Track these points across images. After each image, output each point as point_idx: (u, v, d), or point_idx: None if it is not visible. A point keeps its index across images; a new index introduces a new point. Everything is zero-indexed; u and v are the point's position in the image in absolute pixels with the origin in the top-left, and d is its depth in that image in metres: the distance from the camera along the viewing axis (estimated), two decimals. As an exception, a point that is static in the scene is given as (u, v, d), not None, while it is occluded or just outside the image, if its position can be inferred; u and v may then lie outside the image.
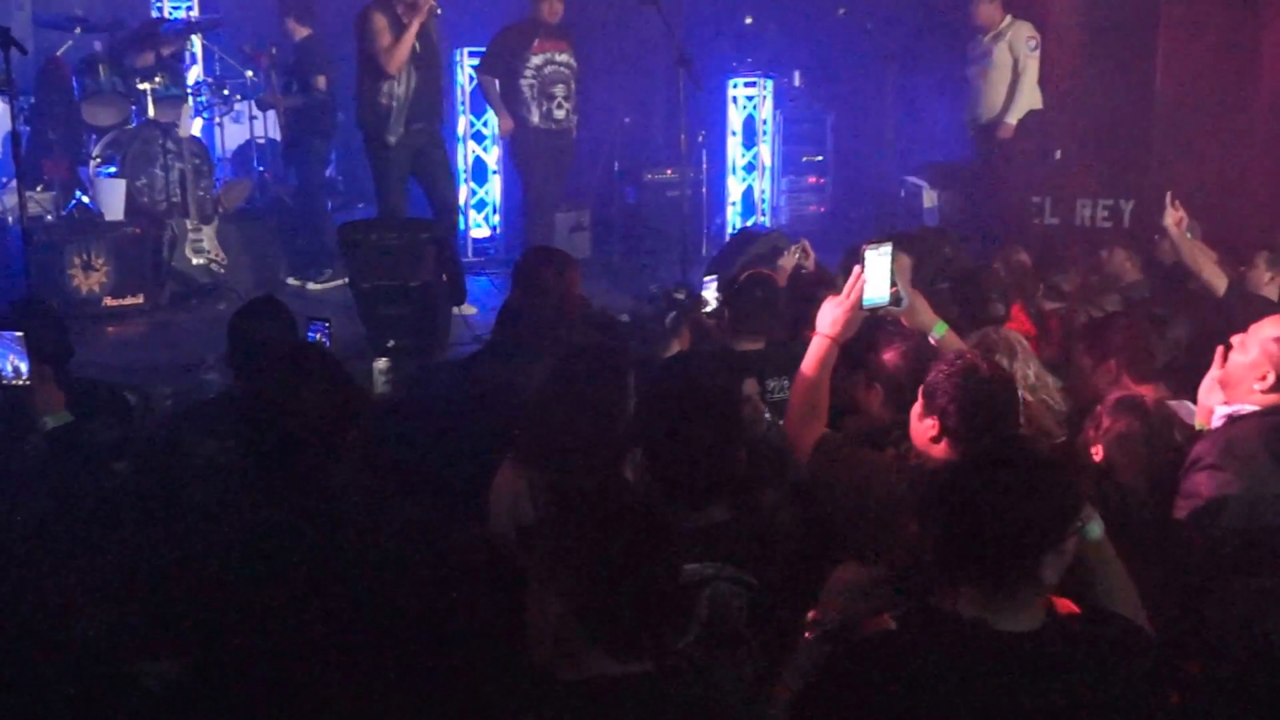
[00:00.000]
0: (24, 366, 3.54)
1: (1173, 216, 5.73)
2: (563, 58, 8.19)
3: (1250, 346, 3.61)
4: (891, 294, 3.34)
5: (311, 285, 8.45)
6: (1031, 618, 2.34)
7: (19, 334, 3.55)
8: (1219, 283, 5.61)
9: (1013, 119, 8.94)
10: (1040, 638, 2.32)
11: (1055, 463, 2.55)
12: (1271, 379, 3.54)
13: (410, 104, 7.37)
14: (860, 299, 3.33)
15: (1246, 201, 8.89)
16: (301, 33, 8.80)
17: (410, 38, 7.20)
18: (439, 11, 7.30)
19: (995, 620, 2.32)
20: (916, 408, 3.26)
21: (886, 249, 3.34)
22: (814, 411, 3.40)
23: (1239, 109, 9.28)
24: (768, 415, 3.99)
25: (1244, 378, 3.59)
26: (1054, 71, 9.25)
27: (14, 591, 2.88)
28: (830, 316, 3.37)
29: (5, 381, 3.56)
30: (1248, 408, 3.57)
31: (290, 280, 8.49)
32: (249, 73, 9.61)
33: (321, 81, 8.69)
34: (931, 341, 3.74)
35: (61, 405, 3.60)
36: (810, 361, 3.39)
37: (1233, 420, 3.58)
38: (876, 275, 3.31)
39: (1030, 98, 8.99)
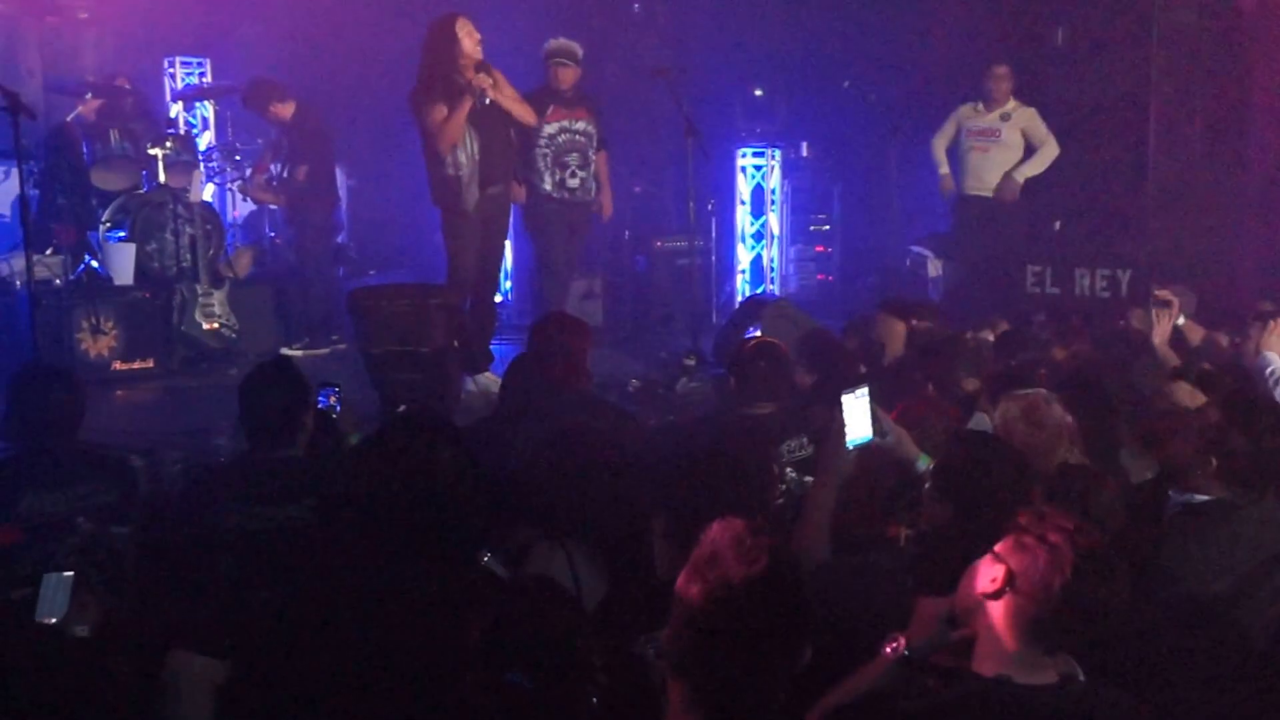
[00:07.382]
0: None
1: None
2: (579, 125, 8.03)
3: None
4: (875, 430, 3.51)
5: (286, 350, 8.21)
6: (1048, 672, 2.45)
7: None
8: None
9: (1021, 179, 8.99)
10: (1063, 691, 2.43)
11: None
12: None
13: (480, 169, 7.13)
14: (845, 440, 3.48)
15: (1237, 272, 8.98)
16: (289, 109, 8.60)
17: (461, 116, 6.97)
18: (489, 100, 7.05)
19: (1016, 675, 2.43)
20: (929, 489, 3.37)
21: (863, 391, 3.52)
22: (821, 536, 3.41)
23: (1229, 182, 9.36)
24: (792, 473, 4.01)
25: None
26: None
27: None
28: (824, 463, 3.54)
29: None
30: None
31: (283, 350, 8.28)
32: (260, 140, 9.64)
33: (302, 173, 8.56)
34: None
35: None
36: (818, 502, 3.46)
37: None
38: (856, 416, 3.49)
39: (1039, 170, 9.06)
